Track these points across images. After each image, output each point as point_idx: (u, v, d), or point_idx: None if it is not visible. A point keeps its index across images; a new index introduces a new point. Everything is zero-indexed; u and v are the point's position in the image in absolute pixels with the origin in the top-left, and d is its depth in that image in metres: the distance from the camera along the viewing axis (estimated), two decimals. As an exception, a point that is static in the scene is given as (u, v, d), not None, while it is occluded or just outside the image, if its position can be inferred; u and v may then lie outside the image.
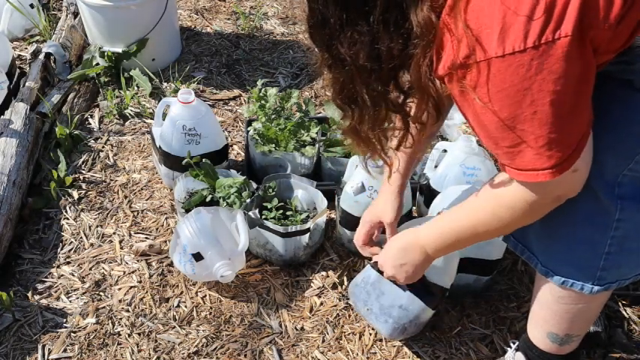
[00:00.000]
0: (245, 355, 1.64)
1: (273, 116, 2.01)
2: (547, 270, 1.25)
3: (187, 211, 1.78)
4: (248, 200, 1.79)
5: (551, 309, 1.36)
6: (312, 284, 1.81)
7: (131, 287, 1.79)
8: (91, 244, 1.92)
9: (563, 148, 0.96)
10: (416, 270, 1.37)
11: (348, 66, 1.04)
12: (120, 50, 2.48)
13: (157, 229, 1.96)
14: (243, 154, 2.21)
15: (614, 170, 1.10)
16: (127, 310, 1.73)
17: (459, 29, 0.92)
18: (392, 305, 1.52)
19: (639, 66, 1.02)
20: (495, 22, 0.89)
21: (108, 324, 1.70)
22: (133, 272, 1.83)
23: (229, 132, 2.34)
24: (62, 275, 1.83)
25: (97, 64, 2.50)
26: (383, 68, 1.03)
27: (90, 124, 2.37)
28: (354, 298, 1.60)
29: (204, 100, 2.38)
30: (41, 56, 2.48)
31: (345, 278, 1.82)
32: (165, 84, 2.54)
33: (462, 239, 1.24)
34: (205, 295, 1.78)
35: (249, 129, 2.03)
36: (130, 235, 1.94)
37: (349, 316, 1.74)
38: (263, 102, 2.03)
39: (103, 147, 2.26)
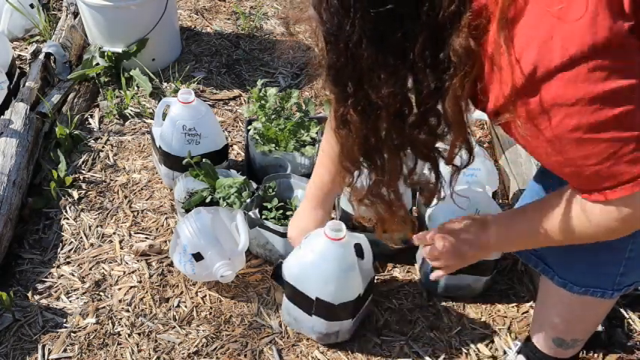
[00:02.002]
0: (245, 355, 1.64)
1: (273, 116, 2.01)
2: (565, 281, 1.22)
3: (187, 211, 1.78)
4: (248, 200, 1.79)
5: (560, 315, 1.33)
6: (312, 284, 1.81)
7: (131, 287, 1.79)
8: (91, 244, 1.92)
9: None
10: (467, 261, 1.28)
11: (375, 113, 0.93)
12: (120, 50, 2.48)
13: (157, 229, 1.96)
14: (243, 154, 2.21)
15: None
16: (127, 310, 1.73)
17: (512, 51, 0.83)
18: (309, 326, 1.62)
19: None
20: (553, 33, 0.82)
21: (108, 324, 1.70)
22: (133, 272, 1.83)
23: (229, 132, 2.34)
24: (62, 275, 1.83)
25: (97, 64, 2.50)
26: (414, 110, 0.93)
27: (90, 124, 2.37)
28: (286, 322, 1.69)
29: (204, 100, 2.38)
30: (41, 56, 2.48)
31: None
32: (165, 84, 2.54)
33: (530, 244, 1.15)
34: (205, 295, 1.78)
35: (249, 129, 2.03)
36: (130, 235, 1.94)
37: (349, 316, 1.74)
38: (263, 102, 2.03)
39: (103, 147, 2.26)
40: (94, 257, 1.88)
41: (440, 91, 0.90)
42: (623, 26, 0.82)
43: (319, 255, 1.48)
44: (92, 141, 2.28)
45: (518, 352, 1.54)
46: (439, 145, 1.02)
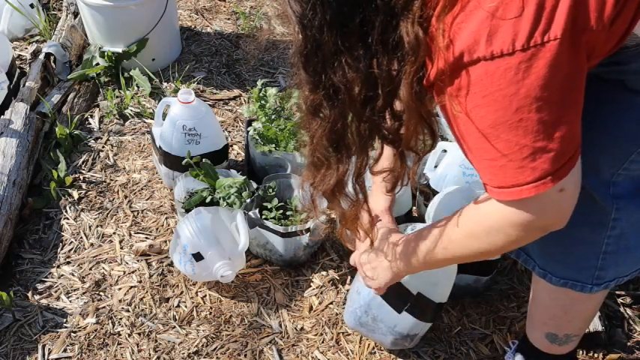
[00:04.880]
0: (245, 355, 1.64)
1: (273, 116, 2.01)
2: (545, 272, 1.25)
3: (187, 211, 1.78)
4: (248, 200, 1.79)
5: (548, 310, 1.36)
6: (312, 284, 1.81)
7: (131, 287, 1.79)
8: (91, 244, 1.92)
9: (548, 160, 0.90)
10: (386, 283, 1.33)
11: (341, 97, 0.98)
12: (120, 50, 2.48)
13: (157, 229, 1.96)
14: (243, 154, 2.21)
15: (609, 170, 1.09)
16: (127, 310, 1.73)
17: (446, 36, 0.89)
18: (389, 326, 1.54)
19: (632, 67, 1.00)
20: (483, 26, 0.86)
21: (108, 324, 1.70)
22: (133, 272, 1.83)
23: (229, 132, 2.34)
24: (62, 275, 1.83)
25: (97, 64, 2.50)
26: (379, 94, 0.98)
27: (90, 124, 2.37)
28: (352, 325, 1.63)
29: (204, 100, 2.38)
30: (41, 56, 2.48)
31: (348, 278, 1.82)
32: (165, 84, 2.54)
33: (439, 260, 1.16)
34: (205, 295, 1.78)
35: (249, 129, 2.03)
36: (130, 235, 1.94)
37: (349, 316, 1.74)
38: (263, 102, 2.03)
39: (103, 147, 2.26)
40: (94, 257, 1.88)
41: (398, 75, 0.95)
42: (551, 35, 0.84)
43: None
44: (92, 141, 2.28)
45: (516, 350, 1.54)
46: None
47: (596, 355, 1.64)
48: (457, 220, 1.09)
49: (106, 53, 2.47)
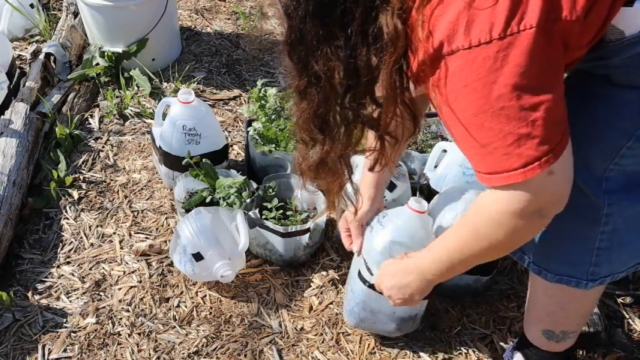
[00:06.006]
0: (245, 355, 1.64)
1: (273, 116, 2.01)
2: (539, 268, 1.25)
3: (187, 211, 1.78)
4: (248, 200, 1.79)
5: (544, 307, 1.36)
6: (312, 284, 1.81)
7: (131, 287, 1.79)
8: (91, 244, 1.92)
9: (533, 146, 0.92)
10: (415, 294, 1.30)
11: (323, 85, 1.02)
12: (120, 50, 2.48)
13: (157, 229, 1.96)
14: (243, 154, 2.21)
15: (601, 165, 1.10)
16: (127, 310, 1.73)
17: (425, 27, 0.91)
18: (388, 314, 1.55)
19: (614, 61, 1.01)
20: (461, 17, 0.89)
21: (108, 324, 1.70)
22: (133, 272, 1.83)
23: (229, 132, 2.34)
24: (62, 275, 1.83)
25: (97, 64, 2.50)
26: (360, 83, 1.01)
27: (90, 124, 2.37)
28: (354, 323, 1.63)
29: (204, 100, 2.38)
30: (41, 56, 2.48)
31: (348, 278, 1.82)
32: (165, 84, 2.54)
33: (456, 263, 1.16)
34: (205, 295, 1.78)
35: (249, 129, 2.03)
36: (130, 235, 1.94)
37: (349, 316, 1.74)
38: (263, 102, 2.03)
39: (103, 147, 2.26)
40: (94, 257, 1.88)
41: (378, 65, 0.98)
42: (527, 24, 0.87)
43: (406, 230, 1.43)
44: (92, 141, 2.28)
45: (514, 348, 1.55)
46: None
47: (596, 355, 1.64)
48: (461, 220, 1.13)
49: (106, 53, 2.47)
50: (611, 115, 1.07)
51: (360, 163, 1.72)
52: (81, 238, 1.93)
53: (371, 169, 1.21)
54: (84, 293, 1.78)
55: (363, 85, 1.02)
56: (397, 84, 1.00)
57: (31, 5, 2.77)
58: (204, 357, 1.63)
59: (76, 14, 2.73)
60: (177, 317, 1.72)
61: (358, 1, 0.94)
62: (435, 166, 1.89)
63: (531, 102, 0.90)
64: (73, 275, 1.83)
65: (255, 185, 1.85)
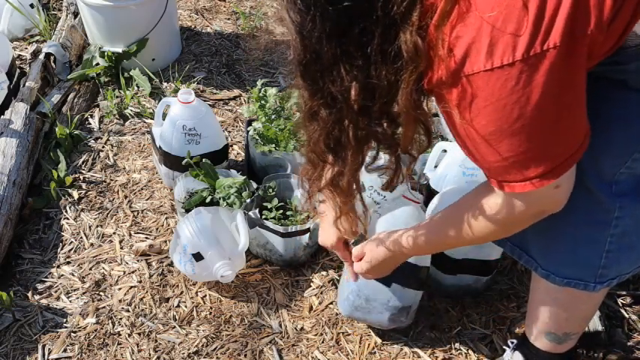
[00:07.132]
0: (245, 355, 1.64)
1: (273, 116, 2.01)
2: (548, 273, 1.24)
3: (187, 211, 1.78)
4: (248, 200, 1.79)
5: (548, 309, 1.35)
6: (312, 284, 1.81)
7: (131, 287, 1.79)
8: (91, 244, 1.92)
9: (551, 158, 0.95)
10: (390, 268, 1.41)
11: (339, 106, 0.99)
12: (120, 50, 2.48)
13: (157, 229, 1.96)
14: (243, 154, 2.21)
15: (611, 169, 1.10)
16: (127, 310, 1.73)
17: (445, 46, 0.90)
18: (383, 303, 1.56)
19: (632, 66, 1.01)
20: (483, 37, 0.87)
21: (108, 324, 1.70)
22: (133, 272, 1.83)
23: (229, 132, 2.34)
24: (62, 275, 1.83)
25: (97, 64, 2.50)
26: (377, 103, 0.98)
27: (90, 124, 2.37)
28: (348, 312, 1.64)
29: (204, 100, 2.38)
30: (41, 56, 2.48)
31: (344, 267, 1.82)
32: (165, 84, 2.54)
33: (435, 250, 1.24)
34: (205, 295, 1.78)
35: (249, 129, 2.03)
36: (130, 235, 1.94)
37: (349, 316, 1.74)
38: (263, 102, 2.03)
39: (103, 147, 2.26)
40: (94, 257, 1.88)
41: (397, 84, 0.95)
42: (550, 43, 0.85)
43: (401, 217, 1.47)
44: (92, 141, 2.28)
45: (515, 349, 1.54)
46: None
47: (596, 355, 1.64)
48: (451, 217, 1.18)
49: (106, 53, 2.47)
50: (624, 118, 1.06)
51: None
52: (81, 238, 1.93)
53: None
54: (84, 293, 1.78)
55: (380, 106, 0.99)
56: (417, 102, 0.98)
57: (31, 5, 2.77)
58: (204, 357, 1.63)
59: (76, 14, 2.73)
60: (177, 317, 1.72)
61: (378, 19, 0.90)
62: (435, 166, 1.89)
63: (552, 120, 0.91)
64: (73, 275, 1.83)
65: (255, 185, 1.85)
